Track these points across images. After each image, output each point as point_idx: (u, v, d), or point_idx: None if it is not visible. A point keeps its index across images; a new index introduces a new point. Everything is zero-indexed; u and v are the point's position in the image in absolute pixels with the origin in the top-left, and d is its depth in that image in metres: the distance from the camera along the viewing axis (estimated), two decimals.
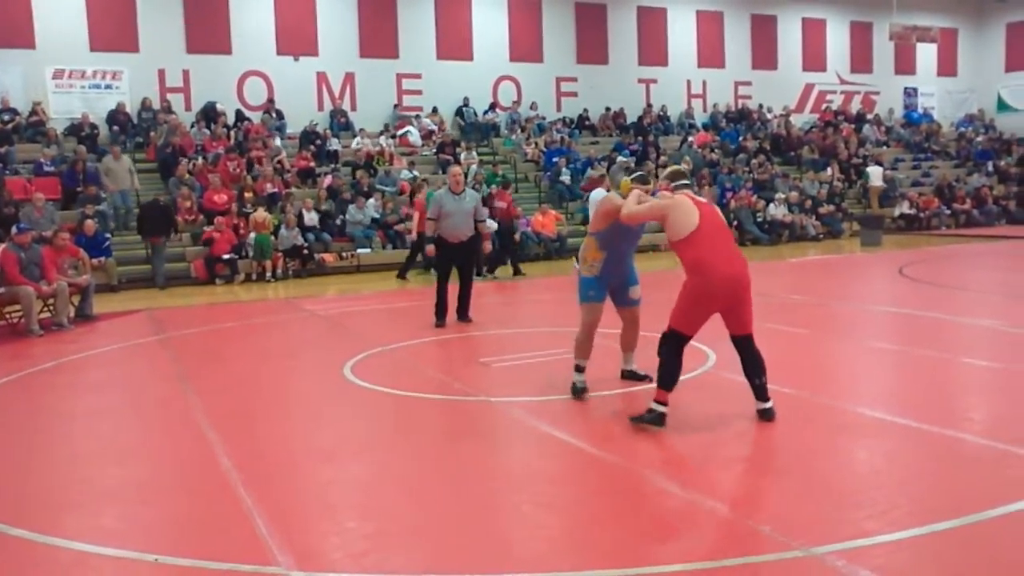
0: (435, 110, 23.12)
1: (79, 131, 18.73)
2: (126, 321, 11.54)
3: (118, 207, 16.92)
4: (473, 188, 19.44)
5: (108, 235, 15.57)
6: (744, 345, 5.59)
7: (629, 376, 6.78)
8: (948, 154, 28.54)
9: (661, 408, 5.41)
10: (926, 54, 30.59)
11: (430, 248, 10.02)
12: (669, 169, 5.98)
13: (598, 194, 8.00)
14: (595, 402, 6.25)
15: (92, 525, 4.27)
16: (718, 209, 5.82)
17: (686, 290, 5.45)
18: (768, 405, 5.55)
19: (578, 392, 6.33)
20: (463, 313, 10.02)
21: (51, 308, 10.86)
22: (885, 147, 27.86)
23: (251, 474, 4.88)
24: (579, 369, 6.40)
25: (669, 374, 5.45)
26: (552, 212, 19.43)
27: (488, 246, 10.98)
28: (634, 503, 4.31)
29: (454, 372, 7.41)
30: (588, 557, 3.67)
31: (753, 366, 5.58)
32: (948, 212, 24.08)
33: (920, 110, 30.80)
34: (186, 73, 20.66)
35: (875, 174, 24.14)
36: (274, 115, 21.11)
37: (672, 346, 5.45)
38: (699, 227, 5.42)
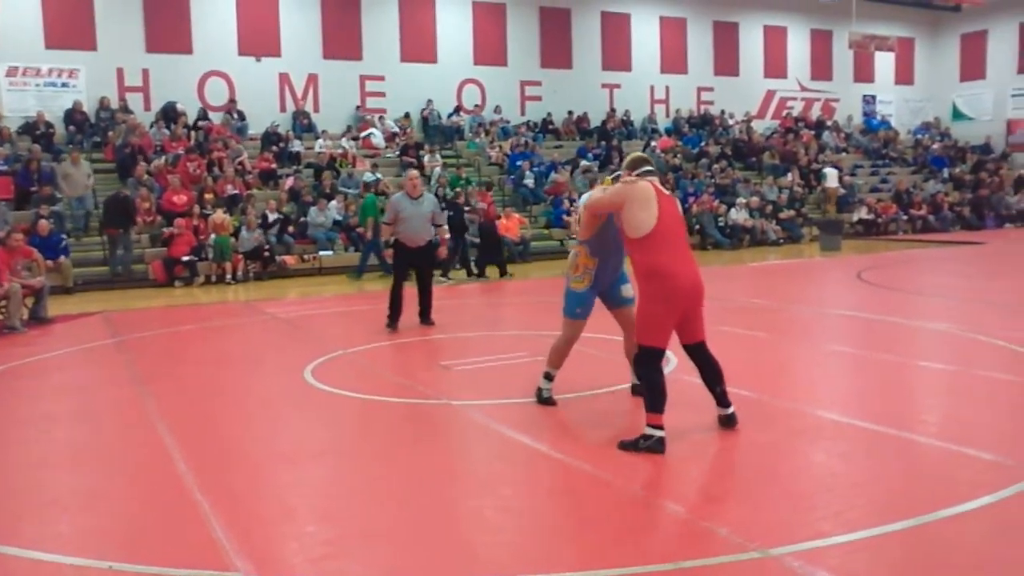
0: (407, 115, 23.04)
1: (34, 130, 18.39)
2: (82, 324, 11.35)
3: (75, 211, 16.59)
4: (437, 191, 19.58)
5: (63, 236, 15.29)
6: (699, 353, 5.42)
7: (639, 392, 5.96)
8: (905, 161, 29.06)
9: (659, 432, 5.02)
10: (884, 63, 31.15)
11: (387, 252, 9.88)
12: (629, 157, 5.63)
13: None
14: (558, 405, 6.25)
15: (46, 532, 4.19)
16: (678, 203, 5.57)
17: (648, 300, 5.12)
18: (730, 411, 5.48)
19: (543, 400, 6.22)
20: (425, 316, 9.98)
21: (3, 310, 10.64)
22: (844, 153, 28.29)
23: (209, 479, 4.81)
24: (548, 377, 6.24)
25: (658, 395, 5.10)
26: (516, 215, 19.45)
27: (444, 251, 10.73)
28: (594, 506, 4.32)
29: (415, 375, 7.38)
30: (548, 561, 3.67)
31: (712, 374, 5.44)
32: (905, 218, 24.50)
33: (878, 117, 31.33)
34: (146, 72, 20.38)
35: (831, 175, 24.53)
36: (235, 116, 20.90)
37: (650, 364, 5.15)
38: (656, 227, 5.09)
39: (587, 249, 5.91)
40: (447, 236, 10.65)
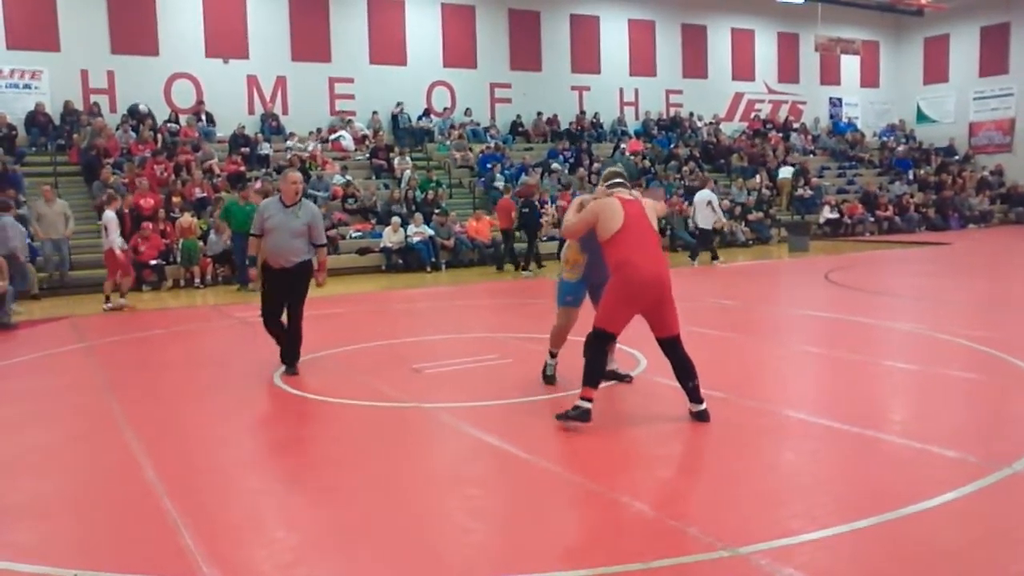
0: (375, 113, 22.97)
1: None
2: (47, 329, 11.18)
3: (50, 256, 14.91)
4: (407, 193, 19.56)
5: (29, 239, 15.04)
6: (671, 348, 5.70)
7: (611, 376, 6.63)
8: (871, 163, 29.45)
9: (587, 404, 5.48)
10: (850, 66, 31.56)
11: (253, 272, 7.95)
12: (606, 171, 6.20)
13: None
14: (526, 407, 6.26)
15: (6, 540, 4.11)
16: (647, 208, 5.88)
17: (611, 289, 5.60)
18: (702, 407, 5.64)
19: (548, 377, 6.70)
20: (290, 360, 7.72)
21: None
22: (812, 155, 28.60)
23: (177, 485, 4.76)
24: (552, 355, 6.79)
25: (596, 372, 5.58)
26: (486, 218, 19.47)
27: (322, 278, 7.90)
28: (563, 507, 4.33)
29: (385, 378, 7.36)
30: (517, 562, 3.67)
31: (684, 370, 5.68)
32: (872, 219, 24.82)
33: (845, 120, 31.72)
34: (111, 74, 20.16)
35: (786, 171, 24.97)
36: (203, 118, 20.70)
37: (598, 345, 5.60)
38: (623, 227, 5.59)
39: (577, 245, 6.36)
40: (326, 258, 7.93)
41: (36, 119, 18.91)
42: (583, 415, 5.48)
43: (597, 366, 5.59)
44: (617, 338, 5.86)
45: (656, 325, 5.67)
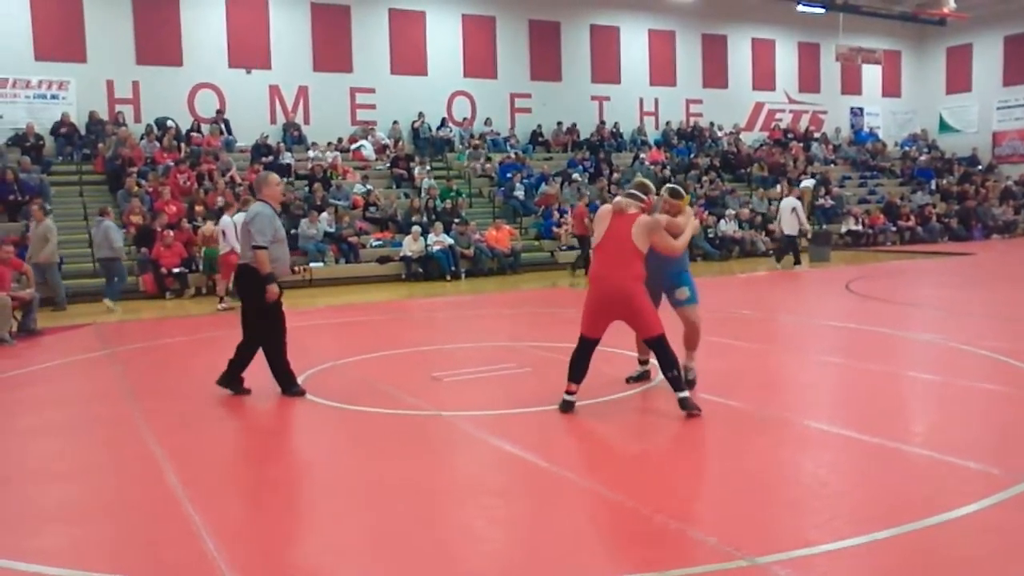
0: (396, 123, 23.12)
1: (23, 142, 18.37)
2: (71, 336, 11.32)
3: (37, 281, 12.44)
4: (427, 202, 19.64)
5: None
6: (654, 345, 6.11)
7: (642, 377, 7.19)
8: (893, 173, 29.25)
9: (569, 397, 6.23)
10: (871, 75, 31.41)
11: (273, 289, 6.94)
12: (635, 180, 6.65)
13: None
14: (544, 416, 6.28)
15: (33, 545, 4.17)
16: (638, 224, 6.08)
17: (586, 298, 6.28)
18: (683, 395, 6.02)
19: (687, 381, 6.57)
20: (290, 385, 7.15)
21: None
22: (832, 165, 28.47)
23: (199, 491, 4.81)
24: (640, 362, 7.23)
25: (571, 369, 6.25)
26: (506, 227, 19.53)
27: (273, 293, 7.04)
28: (582, 516, 4.34)
29: (405, 387, 7.39)
30: (535, 571, 3.69)
31: (663, 362, 6.06)
32: (893, 229, 24.65)
33: (866, 129, 31.56)
34: (136, 85, 20.40)
35: (805, 183, 24.91)
36: (222, 127, 20.88)
37: (579, 347, 6.26)
38: (599, 243, 6.18)
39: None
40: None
41: (62, 129, 19.18)
42: (565, 406, 6.21)
43: (575, 363, 6.23)
44: (599, 341, 6.31)
45: (635, 329, 6.40)
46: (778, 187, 24.77)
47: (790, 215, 18.16)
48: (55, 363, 9.33)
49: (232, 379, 7.16)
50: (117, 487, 5.08)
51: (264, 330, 7.02)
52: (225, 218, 13.56)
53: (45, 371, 8.89)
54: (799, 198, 18.96)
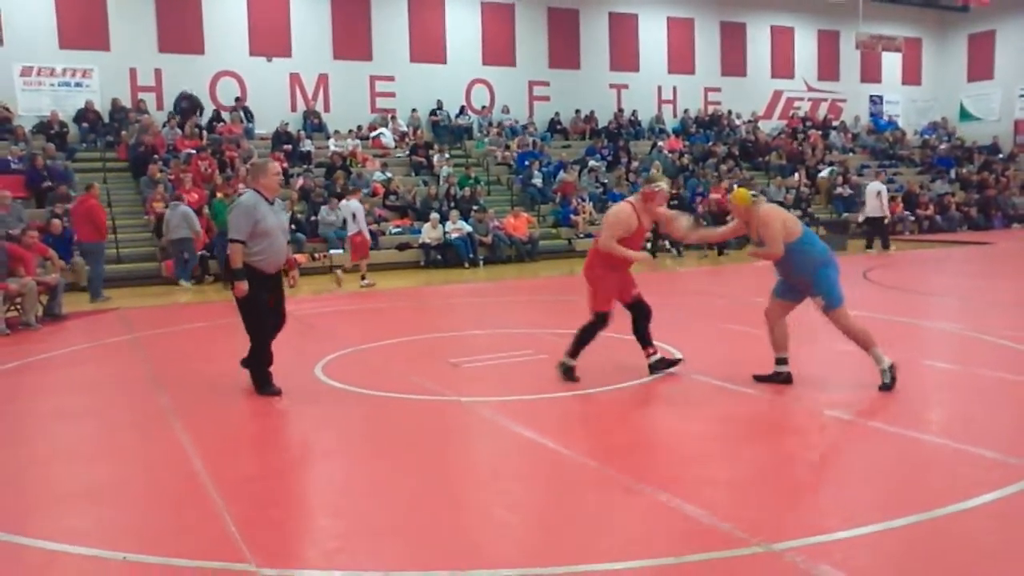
0: (415, 111, 23.17)
1: (48, 129, 18.57)
2: (95, 320, 11.46)
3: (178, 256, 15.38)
4: (446, 190, 19.70)
5: None
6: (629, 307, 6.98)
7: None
8: (912, 161, 29.02)
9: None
10: (891, 63, 31.14)
11: (241, 286, 6.56)
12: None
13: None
14: (561, 402, 6.33)
15: (60, 525, 4.27)
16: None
17: None
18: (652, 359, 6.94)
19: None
20: (262, 384, 6.83)
21: (18, 307, 10.77)
22: (851, 154, 28.27)
23: (221, 473, 4.90)
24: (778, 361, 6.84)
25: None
26: (524, 215, 19.56)
27: (296, 277, 7.45)
28: (598, 501, 4.39)
29: (424, 372, 7.46)
30: (552, 555, 3.74)
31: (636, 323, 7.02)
32: (912, 218, 24.48)
33: (885, 118, 31.30)
34: (158, 72, 20.54)
35: (823, 172, 25.03)
36: (242, 114, 21.00)
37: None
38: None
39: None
40: (294, 256, 7.51)
41: (86, 116, 19.36)
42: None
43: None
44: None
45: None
46: (796, 175, 24.66)
47: (875, 199, 18.93)
48: (80, 347, 9.47)
49: (260, 380, 6.87)
50: (143, 469, 5.18)
51: (250, 322, 6.71)
52: (354, 202, 14.84)
53: (70, 355, 9.03)
54: (883, 182, 20.19)
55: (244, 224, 6.44)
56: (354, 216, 14.64)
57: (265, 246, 6.55)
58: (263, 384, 6.79)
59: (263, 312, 6.72)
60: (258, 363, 6.80)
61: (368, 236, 15.18)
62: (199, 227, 15.43)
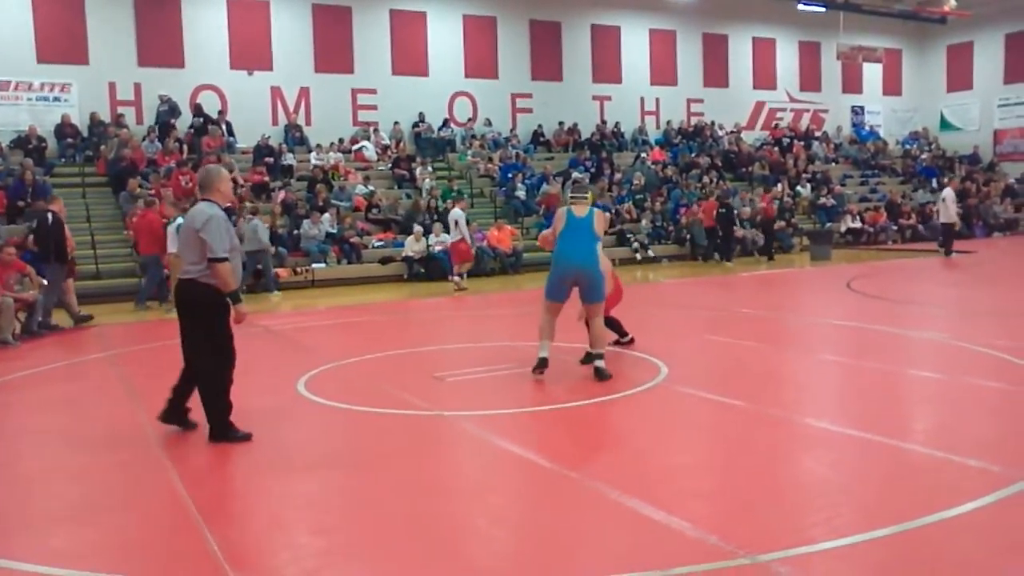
0: (397, 124, 23.15)
1: (26, 144, 18.41)
2: (74, 337, 11.35)
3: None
4: (428, 202, 19.65)
5: None
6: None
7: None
8: (894, 171, 29.25)
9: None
10: (872, 74, 31.41)
11: (242, 310, 5.96)
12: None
13: None
14: (545, 415, 6.30)
15: (41, 546, 4.20)
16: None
17: None
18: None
19: None
20: (225, 430, 5.92)
21: None
22: (833, 164, 28.46)
23: (202, 491, 4.84)
24: None
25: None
26: (508, 227, 19.55)
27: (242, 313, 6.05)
28: (584, 515, 4.36)
29: (407, 387, 7.41)
30: (539, 570, 3.71)
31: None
32: (895, 227, 24.64)
33: (867, 128, 31.55)
34: (138, 86, 20.42)
35: (802, 190, 25.28)
36: (223, 128, 20.89)
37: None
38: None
39: None
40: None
41: (64, 131, 19.20)
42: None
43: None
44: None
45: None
46: (779, 186, 24.80)
47: (950, 205, 19.95)
48: (59, 364, 9.36)
49: (175, 412, 6.13)
50: (121, 488, 5.10)
51: (210, 358, 5.87)
52: (457, 210, 16.32)
53: (49, 372, 8.92)
54: (955, 189, 21.47)
55: (227, 239, 5.77)
56: (456, 223, 15.96)
57: (235, 264, 5.90)
58: (231, 430, 5.90)
59: (231, 341, 5.93)
60: (224, 406, 5.91)
61: (470, 243, 16.51)
62: (267, 239, 16.01)
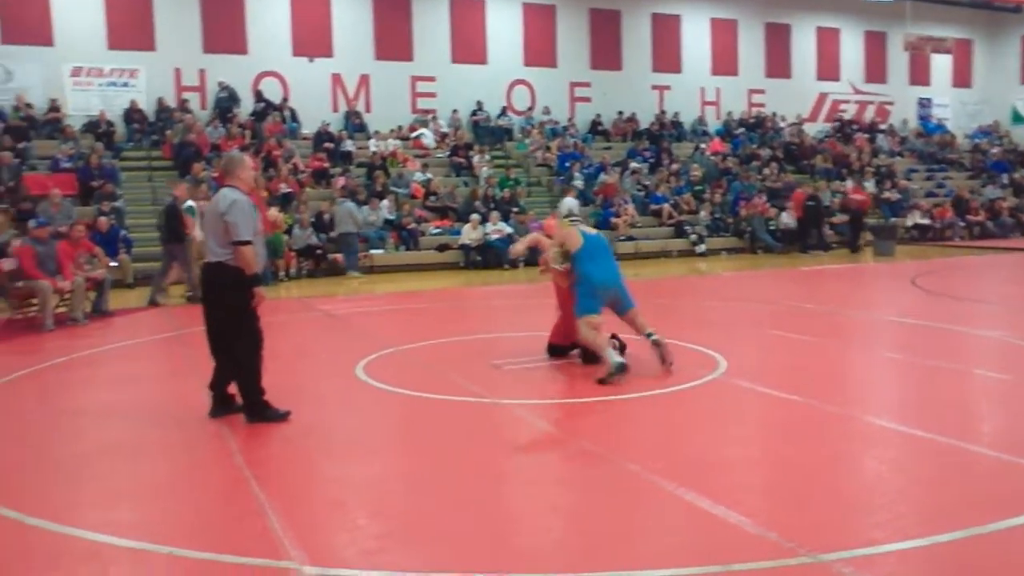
0: (455, 111, 23.23)
1: (96, 128, 18.92)
2: (142, 317, 11.63)
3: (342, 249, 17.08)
4: (486, 191, 19.67)
5: (124, 231, 15.69)
6: None
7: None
8: (962, 165, 28.47)
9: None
10: (940, 65, 30.57)
11: (262, 293, 6.03)
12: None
13: None
14: (603, 405, 6.29)
15: (107, 518, 4.32)
16: None
17: None
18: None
19: None
20: (263, 410, 6.08)
21: (67, 303, 10.96)
22: (899, 157, 27.81)
23: (264, 471, 4.94)
24: None
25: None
26: None
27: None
28: (640, 507, 4.35)
29: (465, 374, 7.45)
30: (592, 559, 3.70)
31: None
32: (962, 224, 24.01)
33: (934, 121, 30.75)
34: (202, 72, 20.84)
35: (868, 185, 24.64)
36: (285, 114, 21.19)
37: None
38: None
39: None
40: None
41: (132, 115, 19.69)
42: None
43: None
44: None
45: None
46: (870, 180, 24.29)
47: None
48: (126, 343, 9.61)
49: (222, 404, 6.22)
50: (186, 465, 5.24)
51: (243, 340, 5.97)
52: (568, 199, 16.42)
53: (117, 351, 9.17)
54: None
55: (251, 223, 5.88)
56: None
57: (259, 249, 6.06)
58: (268, 409, 6.03)
59: (258, 324, 6.05)
60: (257, 387, 6.02)
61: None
62: (361, 220, 16.83)
